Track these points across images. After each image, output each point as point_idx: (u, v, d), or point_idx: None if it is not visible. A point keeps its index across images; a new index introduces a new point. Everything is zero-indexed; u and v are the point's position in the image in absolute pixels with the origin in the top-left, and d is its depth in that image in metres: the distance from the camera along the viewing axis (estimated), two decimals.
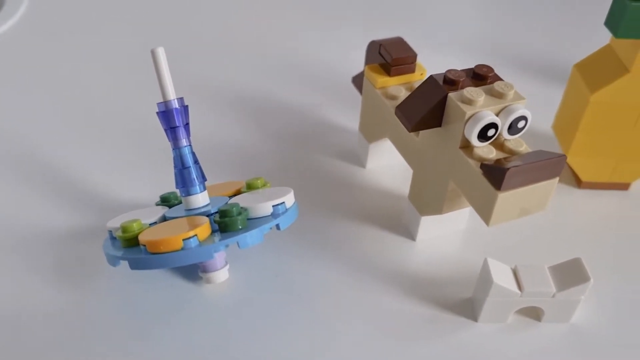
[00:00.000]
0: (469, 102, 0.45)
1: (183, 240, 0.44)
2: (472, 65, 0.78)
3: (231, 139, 0.66)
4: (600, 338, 0.49)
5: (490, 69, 0.48)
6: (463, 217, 0.56)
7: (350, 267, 0.53)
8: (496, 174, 0.43)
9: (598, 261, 0.55)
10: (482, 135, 0.45)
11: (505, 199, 0.44)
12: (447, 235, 0.56)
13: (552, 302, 0.49)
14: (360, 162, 0.62)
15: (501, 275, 0.48)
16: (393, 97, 0.55)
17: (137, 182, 0.60)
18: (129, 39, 0.83)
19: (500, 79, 0.47)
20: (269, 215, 0.47)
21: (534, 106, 0.70)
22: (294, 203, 0.50)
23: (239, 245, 0.44)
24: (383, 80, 0.56)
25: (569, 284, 0.48)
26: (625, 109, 0.55)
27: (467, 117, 0.45)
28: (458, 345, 0.48)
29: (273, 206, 0.47)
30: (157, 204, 0.55)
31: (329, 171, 0.62)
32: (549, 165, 0.43)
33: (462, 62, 0.79)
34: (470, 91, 0.45)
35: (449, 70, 0.47)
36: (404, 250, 0.55)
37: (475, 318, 0.50)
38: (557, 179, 0.45)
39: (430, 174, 0.51)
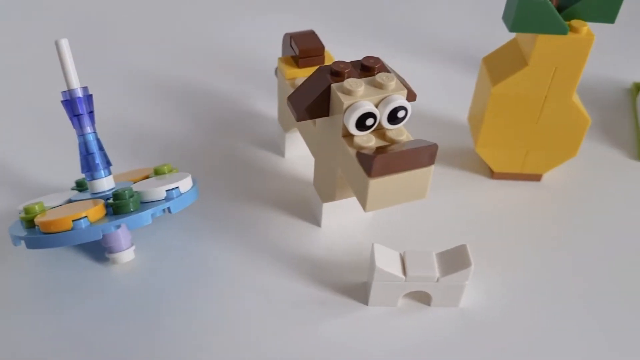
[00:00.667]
0: (349, 92, 0.47)
1: (73, 221, 0.46)
2: (391, 55, 0.80)
3: (153, 127, 0.68)
4: (487, 322, 0.51)
5: (377, 61, 0.49)
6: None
7: (256, 250, 0.55)
8: (367, 161, 0.45)
9: (496, 248, 0.56)
10: (361, 125, 0.47)
11: (378, 185, 0.45)
12: (350, 222, 0.58)
13: (438, 287, 0.50)
14: (280, 151, 0.64)
15: (387, 261, 0.50)
16: None
17: (58, 166, 0.63)
18: (52, 27, 0.85)
19: (387, 71, 0.49)
20: (162, 199, 0.50)
21: (456, 97, 0.72)
22: (193, 187, 0.52)
23: (127, 227, 0.47)
24: (292, 71, 0.58)
25: (452, 270, 0.50)
26: (526, 101, 0.57)
27: (345, 106, 0.46)
28: (345, 326, 0.50)
29: (167, 190, 0.50)
30: (72, 189, 0.58)
31: (249, 159, 0.64)
32: (419, 154, 0.45)
33: (385, 53, 0.81)
34: (350, 82, 0.47)
35: (336, 62, 0.49)
36: (308, 235, 0.57)
37: (366, 302, 0.52)
38: (432, 167, 0.47)
39: (324, 162, 0.53)
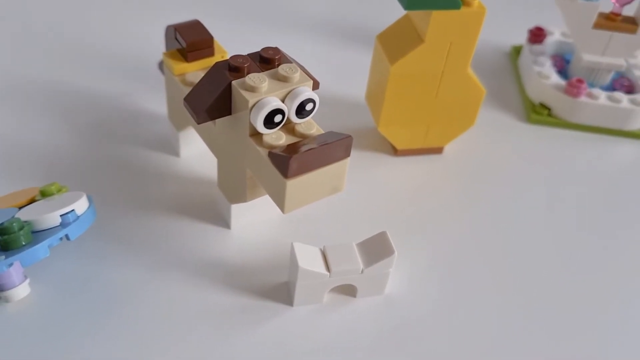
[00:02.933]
0: (252, 89, 0.44)
1: None
2: (278, 38, 0.77)
3: (30, 138, 0.61)
4: (411, 305, 0.50)
5: (277, 51, 0.46)
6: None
7: (164, 264, 0.51)
8: (282, 162, 0.42)
9: (409, 228, 0.56)
10: (269, 122, 0.44)
11: (295, 185, 0.43)
12: (263, 221, 0.55)
13: (362, 278, 0.49)
14: (175, 151, 0.60)
15: (308, 259, 0.48)
16: (192, 84, 0.53)
17: None
18: None
19: (289, 61, 0.47)
20: (57, 226, 0.45)
21: (349, 76, 0.71)
22: (89, 207, 0.47)
23: (21, 263, 0.42)
24: (181, 66, 0.53)
25: (375, 259, 0.49)
26: (425, 77, 0.56)
27: (250, 105, 0.43)
28: (273, 331, 0.48)
29: (61, 215, 0.45)
30: None
31: (141, 163, 0.59)
32: (335, 148, 0.43)
33: (272, 36, 0.78)
34: (253, 78, 0.44)
35: (233, 56, 0.45)
36: (219, 239, 0.53)
37: (291, 302, 0.50)
38: (348, 159, 0.45)
39: (230, 162, 0.50)
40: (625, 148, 0.67)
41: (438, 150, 0.63)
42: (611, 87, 0.71)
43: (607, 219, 0.59)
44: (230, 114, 0.46)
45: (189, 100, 0.46)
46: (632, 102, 0.67)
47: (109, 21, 0.79)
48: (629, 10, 0.69)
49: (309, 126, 0.46)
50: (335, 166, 0.44)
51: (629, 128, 0.68)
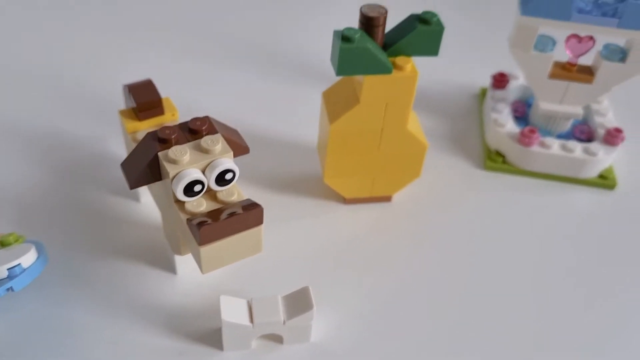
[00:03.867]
0: (174, 161, 0.48)
1: None
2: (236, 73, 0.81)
3: None
4: (338, 353, 0.54)
5: (204, 122, 0.51)
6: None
7: (113, 306, 0.56)
8: (195, 231, 0.46)
9: (348, 276, 0.59)
10: (189, 191, 0.48)
11: (209, 250, 0.47)
12: None
13: (286, 329, 0.53)
14: (135, 196, 0.65)
15: (233, 311, 0.52)
16: None
17: None
18: None
19: (215, 132, 0.50)
20: (5, 278, 0.50)
21: (304, 119, 0.73)
22: (37, 258, 0.53)
23: None
24: (133, 125, 0.58)
25: (296, 313, 0.52)
26: (365, 134, 0.59)
27: (171, 176, 0.48)
28: None
29: (8, 269, 0.50)
30: None
31: (102, 207, 0.64)
32: (246, 217, 0.47)
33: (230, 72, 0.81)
34: (175, 150, 0.48)
35: (162, 128, 0.50)
36: (165, 284, 0.58)
37: (221, 347, 0.54)
38: (262, 226, 0.49)
39: (167, 219, 0.55)
40: (579, 195, 0.69)
41: (387, 199, 0.66)
42: (571, 134, 0.72)
43: (556, 266, 0.61)
44: (160, 179, 0.51)
45: (124, 165, 0.51)
46: (586, 151, 0.68)
47: (77, 62, 0.83)
48: (587, 59, 0.70)
49: (230, 193, 0.50)
50: (250, 232, 0.48)
51: (583, 176, 0.69)
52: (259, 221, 0.48)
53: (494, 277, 0.60)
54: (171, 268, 0.59)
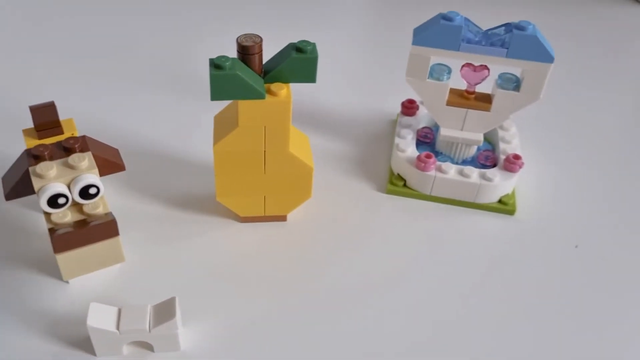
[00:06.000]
0: (40, 176, 0.52)
1: None
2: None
3: None
4: None
5: (77, 141, 0.55)
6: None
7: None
8: (50, 239, 0.50)
9: (229, 291, 0.62)
10: (53, 203, 0.52)
11: (66, 258, 0.51)
12: (106, 275, 0.63)
13: (153, 337, 0.56)
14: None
15: (102, 317, 0.56)
16: None
17: None
18: None
19: (87, 150, 0.55)
20: None
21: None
22: None
23: None
24: (33, 143, 0.62)
25: (161, 321, 0.56)
26: (249, 155, 0.63)
27: (36, 189, 0.52)
28: None
29: None
30: None
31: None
32: (99, 229, 0.51)
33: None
34: (42, 166, 0.53)
35: (37, 146, 0.54)
36: (56, 292, 0.61)
37: (94, 352, 0.58)
38: (118, 237, 0.53)
39: None
40: (474, 219, 0.71)
41: (282, 218, 0.69)
42: (476, 160, 0.74)
43: (450, 288, 0.64)
44: (34, 193, 0.55)
45: (3, 178, 0.55)
46: (482, 176, 0.70)
47: None
48: (488, 87, 0.72)
49: (95, 206, 0.54)
50: (107, 242, 0.52)
51: (481, 201, 0.71)
52: (114, 233, 0.52)
53: (380, 297, 0.62)
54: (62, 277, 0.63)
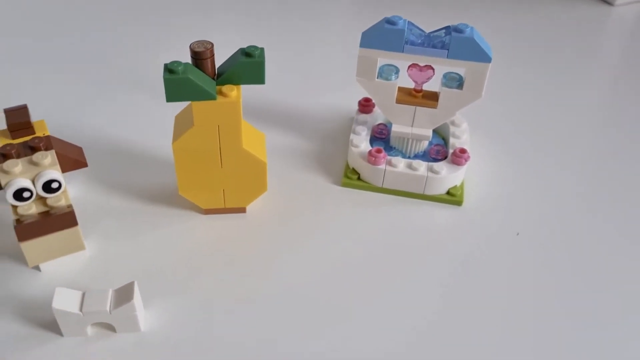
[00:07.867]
0: (6, 172, 0.58)
1: None
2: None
3: None
4: (163, 342, 0.62)
5: (42, 140, 0.60)
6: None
7: None
8: (15, 229, 0.56)
9: (183, 279, 0.68)
10: (19, 197, 0.58)
11: (29, 246, 0.57)
12: (74, 264, 0.68)
13: (114, 318, 0.62)
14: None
15: (67, 300, 0.61)
16: None
17: None
18: None
19: (51, 148, 0.60)
20: None
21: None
22: None
23: None
24: (4, 142, 0.68)
25: (120, 303, 0.61)
26: (206, 152, 0.68)
27: (3, 184, 0.57)
28: (41, 357, 0.61)
29: None
30: None
31: None
32: (59, 219, 0.57)
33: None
34: (8, 163, 0.58)
35: (4, 145, 0.60)
36: (31, 279, 0.67)
37: (62, 333, 0.63)
38: (78, 227, 0.58)
39: None
40: (424, 209, 0.75)
41: (242, 210, 0.74)
42: (428, 155, 0.79)
43: (403, 276, 0.68)
44: (1, 188, 0.60)
45: None
46: (430, 169, 0.75)
47: None
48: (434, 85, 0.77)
49: (57, 199, 0.59)
50: (68, 232, 0.58)
51: (430, 193, 0.76)
52: (73, 222, 0.57)
53: (335, 284, 0.67)
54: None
